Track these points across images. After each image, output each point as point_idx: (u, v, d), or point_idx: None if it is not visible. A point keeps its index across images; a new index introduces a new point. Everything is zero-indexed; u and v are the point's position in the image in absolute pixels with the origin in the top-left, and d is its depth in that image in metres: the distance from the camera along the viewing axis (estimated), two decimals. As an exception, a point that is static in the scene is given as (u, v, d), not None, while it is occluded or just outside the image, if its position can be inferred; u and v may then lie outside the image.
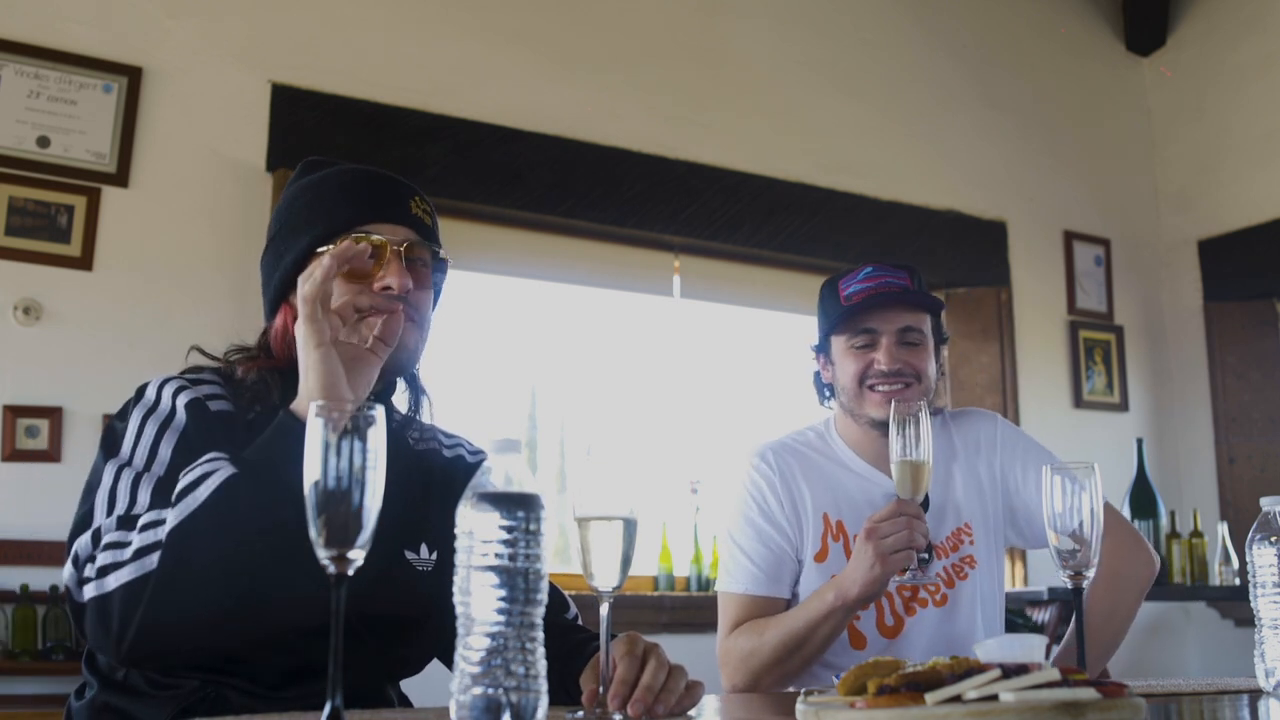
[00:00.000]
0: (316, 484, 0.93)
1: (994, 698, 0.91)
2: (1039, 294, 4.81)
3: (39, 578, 3.03)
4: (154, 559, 1.17)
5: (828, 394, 2.10)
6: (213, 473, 1.20)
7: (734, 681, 1.91)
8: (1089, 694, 0.91)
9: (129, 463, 1.32)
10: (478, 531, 0.88)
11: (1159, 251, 5.20)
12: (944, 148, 4.73)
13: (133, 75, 3.36)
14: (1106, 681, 0.96)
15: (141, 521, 1.21)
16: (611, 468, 1.17)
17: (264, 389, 1.40)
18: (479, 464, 1.59)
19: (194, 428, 1.34)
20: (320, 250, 1.42)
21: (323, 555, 0.94)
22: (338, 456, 0.93)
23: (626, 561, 1.17)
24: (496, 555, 0.87)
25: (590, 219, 3.99)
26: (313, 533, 0.94)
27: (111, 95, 3.34)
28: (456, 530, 0.89)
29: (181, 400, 1.36)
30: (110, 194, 3.30)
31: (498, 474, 0.92)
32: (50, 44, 3.29)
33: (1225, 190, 5.01)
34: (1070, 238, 4.95)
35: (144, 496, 1.27)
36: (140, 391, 1.40)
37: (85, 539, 1.25)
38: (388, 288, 1.41)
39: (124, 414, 1.38)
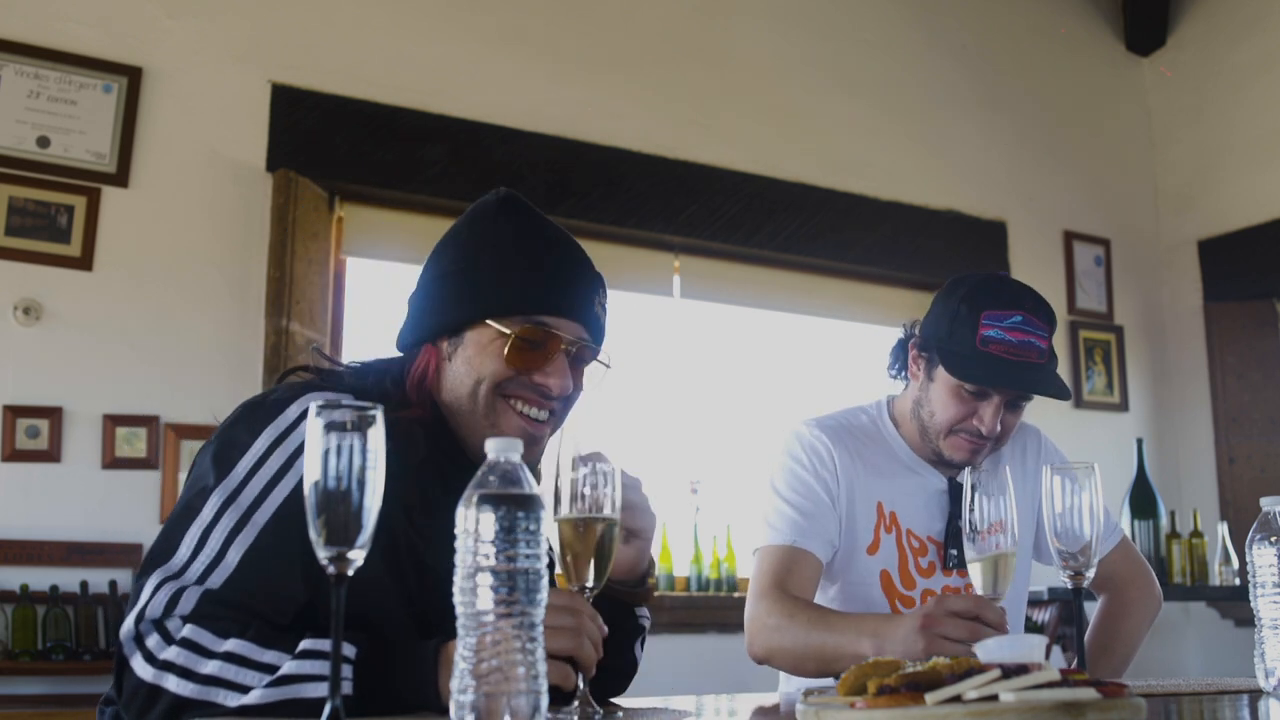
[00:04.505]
0: (316, 484, 0.93)
1: (994, 698, 0.91)
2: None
3: (39, 578, 3.03)
4: (221, 699, 1.11)
5: (903, 375, 2.00)
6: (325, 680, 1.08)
7: (753, 650, 1.85)
8: (1089, 694, 0.91)
9: (236, 498, 1.23)
10: (477, 531, 0.88)
11: (1159, 251, 5.20)
12: (944, 148, 4.73)
13: (133, 75, 3.36)
14: (1106, 681, 0.95)
15: (228, 648, 1.13)
16: (593, 468, 1.17)
17: (409, 440, 1.32)
18: None
19: None
20: (490, 322, 1.36)
21: (322, 555, 0.94)
22: (338, 456, 0.93)
23: (605, 562, 1.17)
24: (496, 555, 0.87)
25: (590, 219, 3.99)
26: (312, 533, 0.94)
27: (111, 95, 3.34)
28: (456, 530, 0.89)
29: None
30: (110, 194, 3.30)
31: (497, 474, 0.92)
32: (50, 44, 3.29)
33: (1225, 190, 5.01)
34: (1070, 238, 4.95)
35: (233, 556, 1.20)
36: (280, 406, 1.29)
37: (162, 599, 1.18)
38: (547, 387, 1.37)
39: (254, 424, 1.28)
